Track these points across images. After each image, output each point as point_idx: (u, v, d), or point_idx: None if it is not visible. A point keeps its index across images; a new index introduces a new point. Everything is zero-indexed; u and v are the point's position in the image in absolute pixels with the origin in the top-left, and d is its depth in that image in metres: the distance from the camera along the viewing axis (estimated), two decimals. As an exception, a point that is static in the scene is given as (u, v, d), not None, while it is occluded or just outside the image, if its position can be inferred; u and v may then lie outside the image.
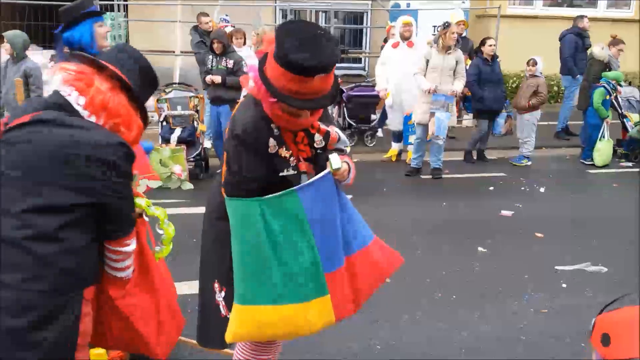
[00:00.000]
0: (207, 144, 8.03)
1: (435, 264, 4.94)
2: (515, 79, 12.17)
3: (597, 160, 8.60)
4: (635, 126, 8.84)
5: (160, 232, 2.51)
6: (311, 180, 2.43)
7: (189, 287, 4.28)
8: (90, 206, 1.97)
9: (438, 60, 7.40)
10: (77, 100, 2.04)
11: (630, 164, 8.75)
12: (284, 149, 2.41)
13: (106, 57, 2.21)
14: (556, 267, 4.90)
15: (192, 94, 7.73)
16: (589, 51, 9.82)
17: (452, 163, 8.40)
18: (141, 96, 2.21)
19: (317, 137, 2.48)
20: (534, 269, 4.89)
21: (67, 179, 1.92)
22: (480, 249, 5.31)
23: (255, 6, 11.25)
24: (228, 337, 2.43)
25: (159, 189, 6.77)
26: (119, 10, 10.50)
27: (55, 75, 2.10)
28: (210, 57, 7.38)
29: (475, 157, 8.77)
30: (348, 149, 2.61)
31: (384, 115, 9.01)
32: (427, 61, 7.42)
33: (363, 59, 13.04)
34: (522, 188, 7.45)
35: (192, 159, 7.45)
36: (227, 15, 9.31)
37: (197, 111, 7.61)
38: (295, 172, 2.44)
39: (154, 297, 2.41)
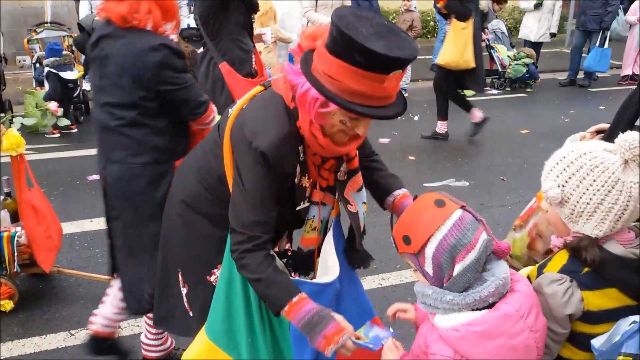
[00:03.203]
0: (87, 86, 7.76)
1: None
2: (394, 15, 12.62)
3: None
4: (511, 63, 9.53)
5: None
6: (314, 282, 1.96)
7: (75, 227, 4.40)
8: (155, 99, 2.39)
9: None
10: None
11: (495, 91, 9.53)
12: (306, 177, 1.90)
13: None
14: (424, 184, 5.42)
15: (65, 33, 7.42)
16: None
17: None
18: None
19: (344, 167, 1.98)
20: (406, 186, 5.35)
21: (131, 82, 2.35)
22: (358, 172, 5.71)
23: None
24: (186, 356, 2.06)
25: (40, 134, 6.63)
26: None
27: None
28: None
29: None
30: None
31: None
32: None
33: None
34: (399, 117, 7.92)
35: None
36: None
37: (72, 52, 7.32)
38: (309, 204, 1.96)
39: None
